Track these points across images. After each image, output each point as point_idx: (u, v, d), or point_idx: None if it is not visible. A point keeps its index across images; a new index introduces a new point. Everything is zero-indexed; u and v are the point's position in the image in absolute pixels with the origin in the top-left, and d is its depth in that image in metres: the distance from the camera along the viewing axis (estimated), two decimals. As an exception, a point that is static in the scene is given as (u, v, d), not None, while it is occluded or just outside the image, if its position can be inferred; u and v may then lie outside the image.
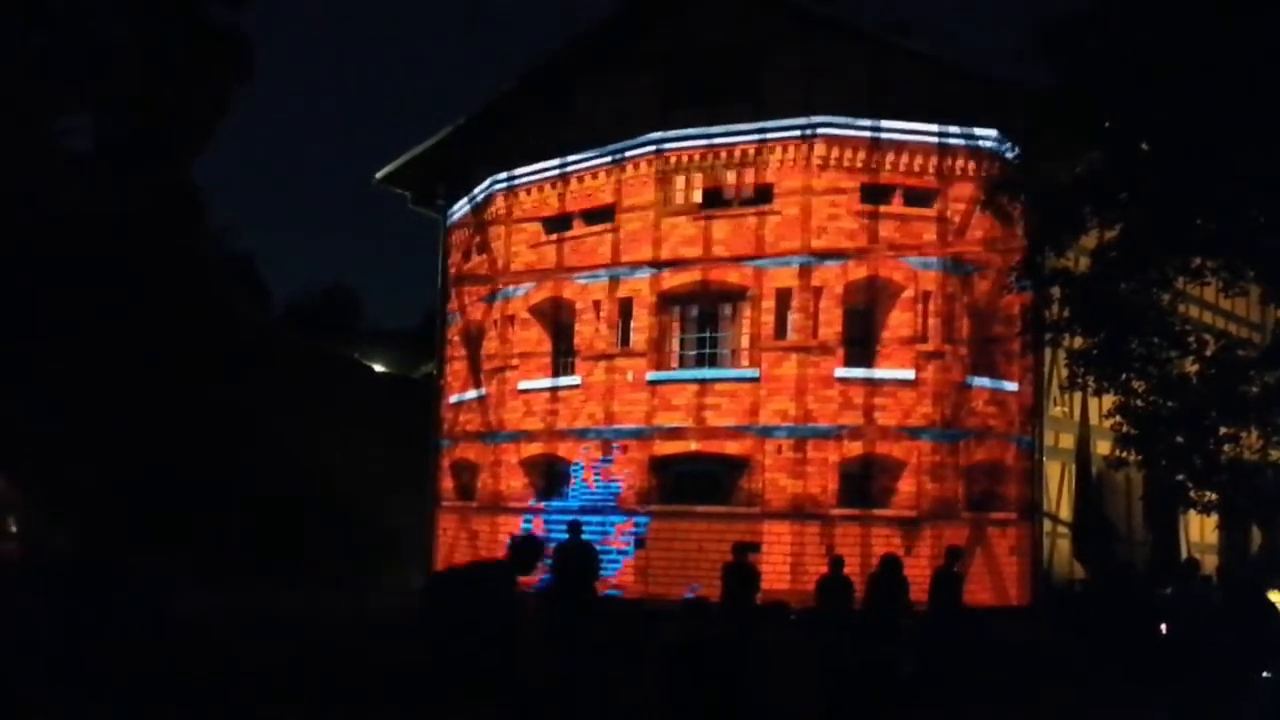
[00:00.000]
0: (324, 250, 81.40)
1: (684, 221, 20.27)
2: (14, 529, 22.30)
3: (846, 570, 14.69)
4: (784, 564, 18.73)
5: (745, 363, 19.86)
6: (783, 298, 19.49)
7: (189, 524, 20.97)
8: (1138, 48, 13.47)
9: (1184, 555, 19.74)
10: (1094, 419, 19.91)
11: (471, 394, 23.52)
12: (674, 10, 21.59)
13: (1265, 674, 8.52)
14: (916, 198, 19.57)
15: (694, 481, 19.94)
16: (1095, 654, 13.89)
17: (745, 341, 19.96)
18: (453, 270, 24.99)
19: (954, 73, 19.31)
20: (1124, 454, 15.57)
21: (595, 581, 14.68)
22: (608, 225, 20.99)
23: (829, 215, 19.47)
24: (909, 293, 19.24)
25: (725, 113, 20.22)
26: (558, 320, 21.85)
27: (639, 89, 21.40)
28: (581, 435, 20.91)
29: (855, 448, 19.16)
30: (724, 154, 20.12)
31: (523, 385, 21.97)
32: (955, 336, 19.33)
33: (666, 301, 20.43)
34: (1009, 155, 17.72)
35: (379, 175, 25.09)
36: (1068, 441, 20.71)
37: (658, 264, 20.30)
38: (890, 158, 19.47)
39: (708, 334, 20.45)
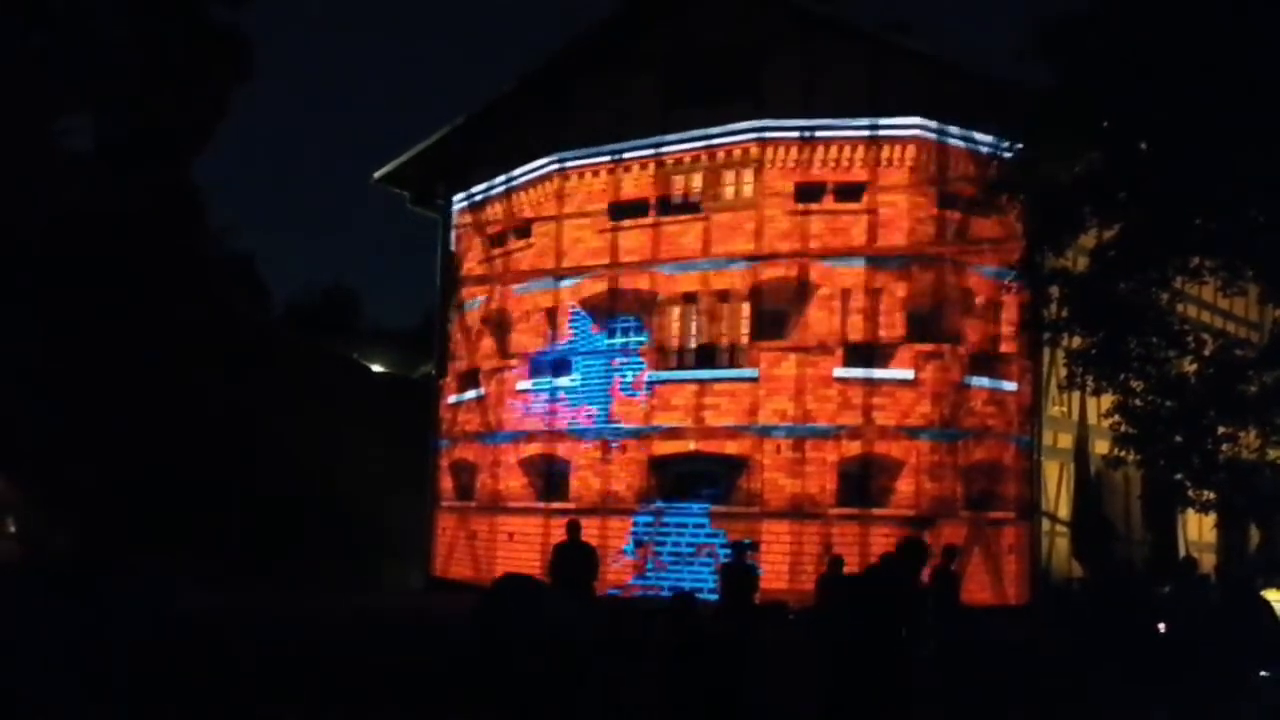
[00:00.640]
0: (323, 250, 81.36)
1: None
2: (12, 529, 22.30)
3: (846, 570, 14.67)
4: (783, 563, 18.75)
5: (744, 362, 19.89)
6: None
7: (188, 524, 20.98)
8: (1137, 47, 13.47)
9: (1182, 554, 19.74)
10: (1092, 418, 19.92)
11: (470, 394, 23.54)
12: (674, 10, 21.59)
13: (1264, 673, 8.52)
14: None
15: (693, 481, 19.99)
16: (1094, 653, 13.90)
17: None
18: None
19: (954, 72, 19.32)
20: (1122, 453, 15.59)
21: (594, 582, 14.68)
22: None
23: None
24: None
25: (725, 112, 20.26)
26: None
27: (639, 89, 21.40)
28: (580, 435, 20.93)
29: (854, 447, 19.17)
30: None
31: (521, 386, 22.01)
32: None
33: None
34: (1008, 155, 17.74)
35: (378, 175, 25.06)
36: (1066, 441, 20.72)
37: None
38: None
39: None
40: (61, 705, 9.21)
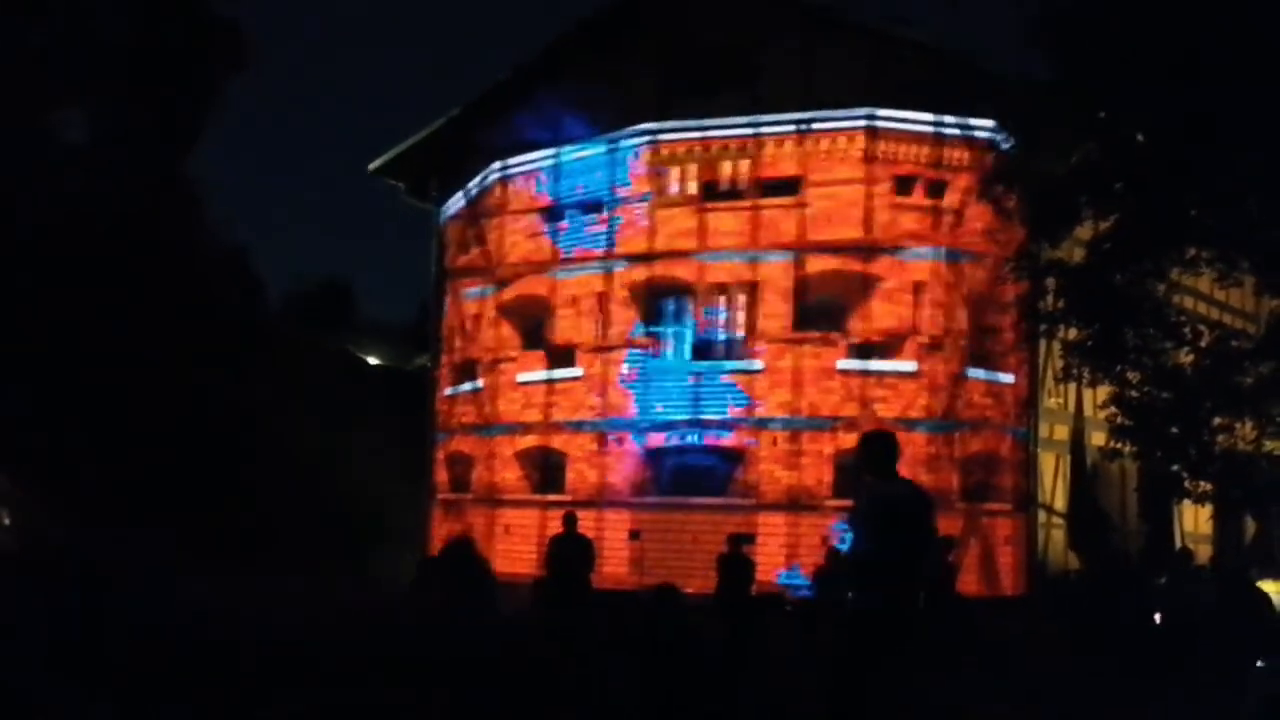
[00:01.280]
0: (318, 242, 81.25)
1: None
2: (7, 521, 22.26)
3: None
4: (779, 555, 18.76)
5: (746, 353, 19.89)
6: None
7: (185, 517, 20.94)
8: (1134, 40, 13.46)
9: (1178, 546, 19.78)
10: (1089, 410, 19.93)
11: (466, 386, 23.50)
12: (671, 1, 21.53)
13: (1260, 663, 8.55)
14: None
15: (690, 474, 19.98)
16: (1090, 644, 13.93)
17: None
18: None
19: (952, 64, 19.29)
20: (1119, 445, 15.61)
21: (590, 575, 14.68)
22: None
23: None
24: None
25: (723, 104, 20.23)
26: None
27: (635, 80, 21.34)
28: (578, 428, 20.91)
29: (851, 439, 19.14)
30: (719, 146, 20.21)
31: (521, 378, 21.99)
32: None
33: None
34: (1006, 146, 17.74)
35: (373, 166, 24.96)
36: (1062, 433, 20.73)
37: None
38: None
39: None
40: (58, 700, 9.20)
